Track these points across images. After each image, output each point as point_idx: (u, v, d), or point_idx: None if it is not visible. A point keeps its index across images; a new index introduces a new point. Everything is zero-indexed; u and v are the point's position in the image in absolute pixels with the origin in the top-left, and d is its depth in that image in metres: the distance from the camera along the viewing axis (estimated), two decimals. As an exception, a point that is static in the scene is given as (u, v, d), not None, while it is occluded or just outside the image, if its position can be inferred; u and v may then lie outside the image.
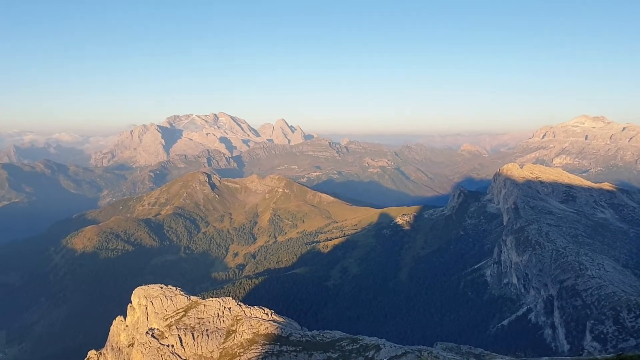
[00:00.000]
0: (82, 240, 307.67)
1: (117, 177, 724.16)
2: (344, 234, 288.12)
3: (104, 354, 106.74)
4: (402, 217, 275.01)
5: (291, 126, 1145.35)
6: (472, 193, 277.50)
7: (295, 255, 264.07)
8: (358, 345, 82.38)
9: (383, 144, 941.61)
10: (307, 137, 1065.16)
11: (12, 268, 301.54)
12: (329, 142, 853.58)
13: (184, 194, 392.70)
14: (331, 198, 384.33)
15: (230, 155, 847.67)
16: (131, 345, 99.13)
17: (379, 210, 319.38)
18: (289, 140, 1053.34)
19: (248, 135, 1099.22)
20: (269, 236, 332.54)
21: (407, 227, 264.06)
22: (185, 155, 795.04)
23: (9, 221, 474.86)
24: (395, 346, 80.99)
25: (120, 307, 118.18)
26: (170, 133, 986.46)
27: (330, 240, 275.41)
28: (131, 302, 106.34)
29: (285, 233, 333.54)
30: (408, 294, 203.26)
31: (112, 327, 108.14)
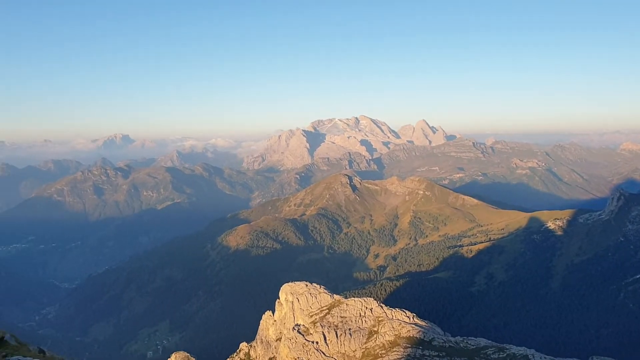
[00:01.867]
0: (236, 238, 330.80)
1: (266, 179, 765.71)
2: (490, 238, 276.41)
3: (254, 346, 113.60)
4: (554, 221, 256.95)
5: (432, 127, 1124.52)
6: (634, 196, 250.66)
7: (437, 259, 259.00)
8: (505, 355, 78.89)
9: (532, 144, 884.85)
10: (449, 137, 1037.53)
11: (175, 263, 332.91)
12: (473, 143, 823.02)
13: (327, 196, 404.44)
14: (475, 201, 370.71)
15: (370, 158, 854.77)
16: (279, 339, 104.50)
17: (528, 214, 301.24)
18: (430, 142, 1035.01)
19: (388, 137, 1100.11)
20: (410, 238, 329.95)
21: (559, 233, 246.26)
22: (328, 158, 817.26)
23: (172, 219, 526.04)
24: (545, 357, 76.31)
25: (269, 302, 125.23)
26: (314, 137, 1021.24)
27: (475, 244, 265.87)
28: (279, 298, 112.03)
29: (426, 236, 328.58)
30: (560, 303, 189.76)
31: (261, 321, 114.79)
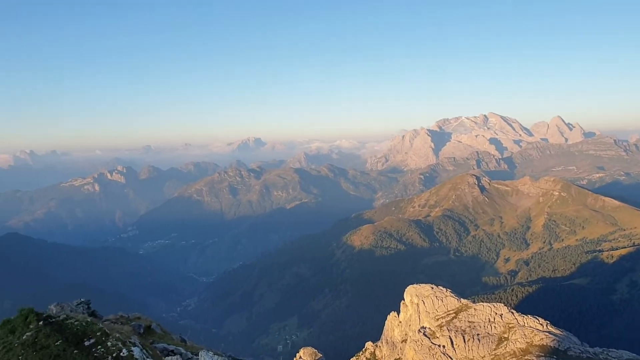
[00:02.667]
0: (360, 238, 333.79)
1: (389, 179, 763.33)
2: (634, 243, 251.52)
3: (379, 346, 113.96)
4: None
5: (568, 124, 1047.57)
6: None
7: (574, 264, 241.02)
8: (654, 372, 71.71)
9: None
10: (588, 134, 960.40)
11: (303, 260, 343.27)
12: (614, 140, 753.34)
13: (453, 197, 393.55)
14: (617, 202, 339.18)
15: (500, 157, 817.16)
16: (404, 341, 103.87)
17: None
18: (566, 139, 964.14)
19: (520, 135, 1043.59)
20: (544, 242, 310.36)
21: None
22: (454, 158, 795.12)
23: (300, 218, 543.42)
24: None
25: (393, 303, 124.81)
26: (439, 136, 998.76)
27: (616, 249, 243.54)
28: (404, 299, 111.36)
29: (562, 240, 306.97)
30: None
31: (386, 322, 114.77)
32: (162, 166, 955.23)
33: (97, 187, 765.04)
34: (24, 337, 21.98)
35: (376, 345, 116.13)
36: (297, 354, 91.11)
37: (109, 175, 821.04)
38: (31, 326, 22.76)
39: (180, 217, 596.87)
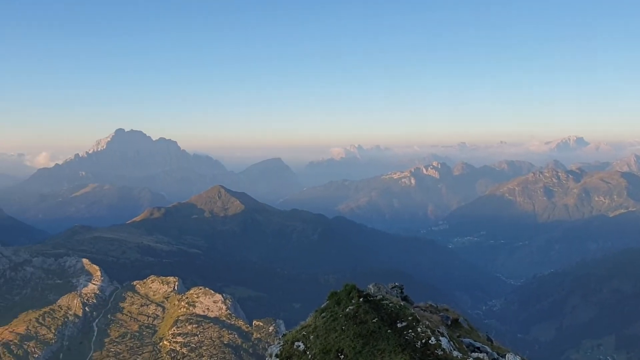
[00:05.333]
0: None
1: None
2: None
3: None
4: None
5: None
6: None
7: None
8: None
9: None
10: None
11: (626, 275, 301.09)
12: None
13: None
14: None
15: None
16: None
17: None
18: None
19: None
20: None
21: None
22: None
23: (625, 229, 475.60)
24: None
25: None
26: None
27: None
28: None
29: None
30: None
31: None
32: (476, 163, 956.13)
33: (413, 181, 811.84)
34: (346, 310, 24.59)
35: None
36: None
37: (424, 170, 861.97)
38: (353, 301, 25.31)
39: (490, 215, 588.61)
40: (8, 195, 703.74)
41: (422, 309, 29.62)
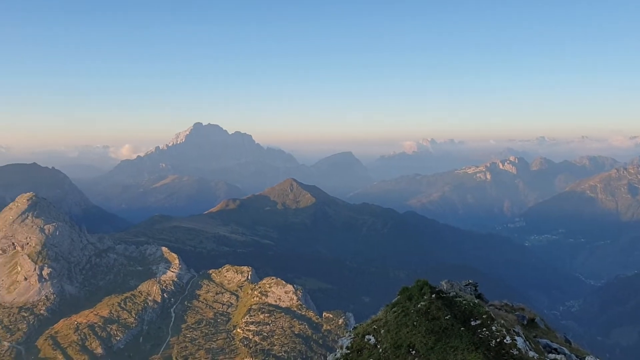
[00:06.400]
0: None
1: None
2: None
3: None
4: None
5: None
6: None
7: None
8: None
9: None
10: None
11: None
12: None
13: None
14: None
15: None
16: None
17: None
18: None
19: None
20: None
21: None
22: None
23: None
24: None
25: None
26: None
27: None
28: None
29: None
30: None
31: None
32: (555, 158, 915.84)
33: (488, 176, 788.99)
34: (418, 306, 24.50)
35: None
36: None
37: (500, 164, 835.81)
38: (425, 297, 25.16)
39: (569, 213, 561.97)
40: (94, 185, 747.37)
41: (496, 308, 28.98)
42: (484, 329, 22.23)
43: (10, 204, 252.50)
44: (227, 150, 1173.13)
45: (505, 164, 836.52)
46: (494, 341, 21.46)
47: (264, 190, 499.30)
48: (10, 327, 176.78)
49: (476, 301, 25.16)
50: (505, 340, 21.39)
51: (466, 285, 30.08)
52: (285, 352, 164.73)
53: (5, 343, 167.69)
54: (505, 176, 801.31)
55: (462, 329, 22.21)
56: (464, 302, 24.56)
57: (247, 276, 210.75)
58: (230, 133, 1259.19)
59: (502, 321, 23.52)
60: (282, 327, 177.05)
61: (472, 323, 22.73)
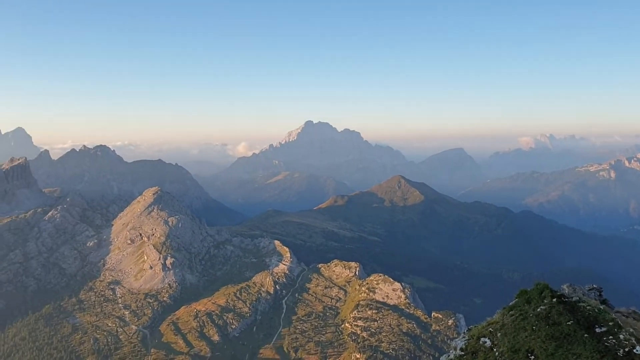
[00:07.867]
0: None
1: None
2: None
3: None
4: None
5: None
6: None
7: None
8: None
9: None
10: None
11: None
12: None
13: None
14: None
15: None
16: None
17: None
18: None
19: None
20: None
21: None
22: None
23: None
24: None
25: None
26: None
27: None
28: None
29: None
30: None
31: None
32: None
33: (612, 174, 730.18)
34: (537, 310, 23.74)
35: None
36: None
37: (626, 162, 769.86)
38: (545, 301, 24.31)
39: None
40: (213, 181, 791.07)
41: (624, 315, 27.24)
42: (611, 337, 21.11)
43: (138, 197, 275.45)
44: (336, 147, 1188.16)
45: (632, 161, 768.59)
46: (621, 350, 20.33)
47: (372, 187, 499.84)
48: (137, 312, 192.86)
49: (601, 307, 23.93)
50: (635, 350, 20.19)
51: (590, 290, 28.57)
52: (393, 349, 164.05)
53: (133, 326, 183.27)
54: (632, 175, 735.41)
55: (585, 335, 21.28)
56: (588, 307, 23.44)
57: (355, 272, 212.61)
58: (339, 130, 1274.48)
59: (631, 329, 22.17)
60: (390, 325, 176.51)
61: (597, 330, 21.68)
